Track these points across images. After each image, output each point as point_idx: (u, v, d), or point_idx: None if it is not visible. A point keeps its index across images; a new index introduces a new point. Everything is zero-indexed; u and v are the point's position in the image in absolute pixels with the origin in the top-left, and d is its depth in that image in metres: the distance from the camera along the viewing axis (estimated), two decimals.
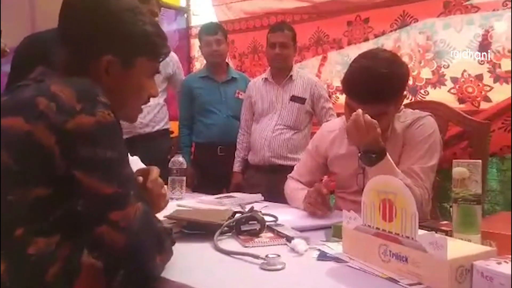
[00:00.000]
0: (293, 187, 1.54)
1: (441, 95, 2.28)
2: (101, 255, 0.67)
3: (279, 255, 0.82)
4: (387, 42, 2.49)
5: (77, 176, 0.66)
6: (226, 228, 1.04)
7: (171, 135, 2.56)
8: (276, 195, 1.61)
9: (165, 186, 0.98)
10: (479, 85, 2.21)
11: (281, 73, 2.27)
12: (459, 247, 0.74)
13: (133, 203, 0.69)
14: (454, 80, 2.28)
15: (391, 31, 2.49)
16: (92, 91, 0.72)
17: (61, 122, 0.67)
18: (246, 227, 1.04)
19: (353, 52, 2.47)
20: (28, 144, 0.66)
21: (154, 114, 2.37)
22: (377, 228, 0.82)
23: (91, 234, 0.67)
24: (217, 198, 1.55)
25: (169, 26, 3.45)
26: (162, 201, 0.94)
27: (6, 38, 1.65)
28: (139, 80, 0.86)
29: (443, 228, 0.96)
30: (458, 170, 0.88)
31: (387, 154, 1.21)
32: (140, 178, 0.90)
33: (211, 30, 2.49)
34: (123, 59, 0.81)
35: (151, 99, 0.92)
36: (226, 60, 2.63)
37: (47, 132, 0.66)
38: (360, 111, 1.18)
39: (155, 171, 0.94)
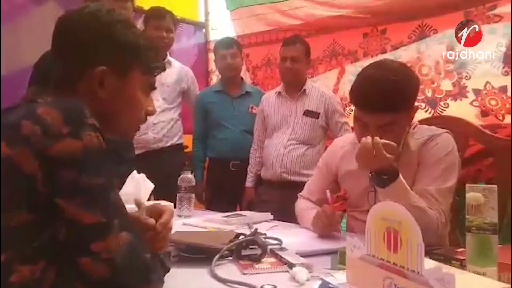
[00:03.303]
0: (303, 206, 1.48)
1: (462, 107, 2.18)
2: (84, 285, 0.64)
3: (275, 286, 0.77)
4: (405, 54, 2.40)
5: (59, 204, 0.64)
6: (226, 252, 1.00)
7: (185, 150, 2.55)
8: (289, 212, 1.56)
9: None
10: (503, 97, 2.09)
11: (294, 87, 2.22)
12: (470, 283, 0.67)
13: (117, 233, 0.66)
14: (477, 92, 2.18)
15: (410, 42, 2.41)
16: (80, 112, 0.70)
17: (45, 146, 0.65)
18: (247, 251, 1.00)
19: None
20: (9, 169, 0.64)
21: (168, 129, 2.38)
22: (382, 259, 0.76)
23: (74, 264, 0.64)
24: (225, 217, 1.51)
25: (188, 41, 3.49)
26: (163, 245, 0.85)
27: (34, 57, 1.70)
28: (134, 94, 0.83)
29: (458, 256, 0.89)
30: (472, 195, 0.80)
31: (400, 175, 1.14)
32: (152, 220, 0.82)
33: (226, 44, 2.49)
34: (116, 70, 0.79)
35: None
36: (241, 75, 2.61)
37: (30, 158, 0.64)
38: (369, 137, 1.12)
39: (168, 212, 0.85)
